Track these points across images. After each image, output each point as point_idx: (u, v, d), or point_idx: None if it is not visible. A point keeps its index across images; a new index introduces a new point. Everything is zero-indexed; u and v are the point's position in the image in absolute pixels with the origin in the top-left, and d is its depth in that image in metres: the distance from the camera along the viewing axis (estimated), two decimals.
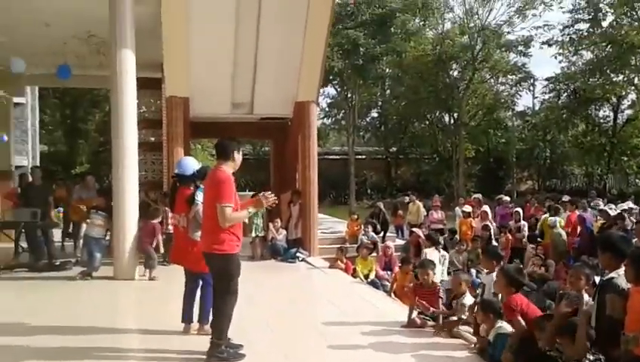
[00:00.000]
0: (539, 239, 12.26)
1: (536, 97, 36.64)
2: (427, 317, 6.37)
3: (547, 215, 13.07)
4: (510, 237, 12.04)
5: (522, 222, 12.84)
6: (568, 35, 31.90)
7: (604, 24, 30.55)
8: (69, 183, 14.17)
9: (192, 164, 6.12)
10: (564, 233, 11.89)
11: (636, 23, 28.68)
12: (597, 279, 5.01)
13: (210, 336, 5.03)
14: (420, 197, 18.31)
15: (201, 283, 5.76)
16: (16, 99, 15.05)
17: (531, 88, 36.10)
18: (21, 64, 11.40)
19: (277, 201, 5.13)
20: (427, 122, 38.89)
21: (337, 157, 38.04)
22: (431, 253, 9.81)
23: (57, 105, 30.68)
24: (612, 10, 29.67)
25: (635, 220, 11.44)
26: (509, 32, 33.31)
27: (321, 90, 26.74)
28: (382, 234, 14.12)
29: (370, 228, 13.11)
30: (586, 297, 5.00)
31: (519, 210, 13.47)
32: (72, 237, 12.31)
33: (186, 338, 5.71)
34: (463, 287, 6.32)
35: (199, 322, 5.76)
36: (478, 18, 32.77)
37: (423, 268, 6.67)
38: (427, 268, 6.64)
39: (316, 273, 10.52)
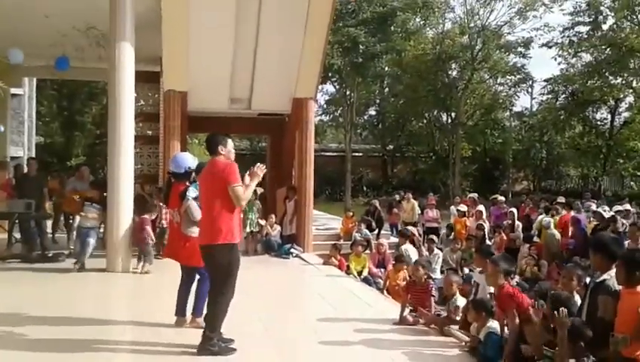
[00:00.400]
0: (536, 239, 12.29)
1: (534, 98, 36.83)
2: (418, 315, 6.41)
3: (544, 215, 13.12)
4: (504, 237, 12.08)
5: (517, 222, 12.87)
6: (568, 37, 31.99)
7: (605, 27, 30.67)
8: (63, 175, 14.16)
9: (185, 161, 6.08)
10: (557, 234, 11.93)
11: (637, 27, 28.72)
12: (588, 280, 5.05)
13: (202, 329, 5.04)
14: (416, 195, 18.34)
15: (197, 276, 5.78)
16: (13, 90, 15.04)
17: (529, 89, 36.28)
18: (19, 55, 11.38)
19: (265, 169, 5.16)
20: (425, 121, 38.94)
21: (334, 154, 38.03)
22: (408, 249, 10.32)
23: (55, 96, 30.56)
24: (612, 14, 29.71)
25: (628, 222, 11.47)
26: (509, 33, 33.44)
27: (320, 87, 26.71)
28: (377, 231, 14.16)
29: (363, 226, 13.13)
30: (577, 298, 5.04)
31: (514, 210, 13.51)
32: (65, 228, 12.31)
33: (178, 330, 5.72)
34: (454, 288, 6.34)
35: (192, 315, 5.78)
36: (479, 18, 32.83)
37: (415, 265, 6.70)
38: (418, 265, 6.67)
39: (310, 269, 10.53)
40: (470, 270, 9.82)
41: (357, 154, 37.39)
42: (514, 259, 11.09)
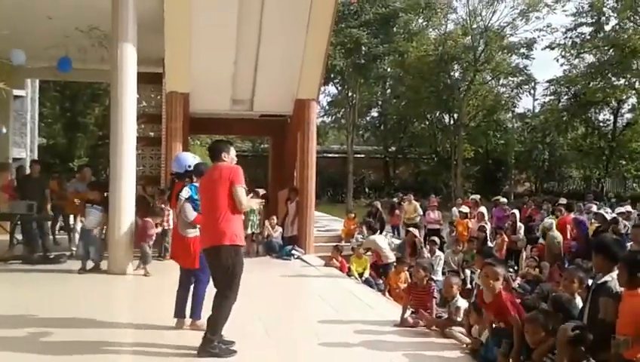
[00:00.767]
0: (541, 241, 12.24)
1: (537, 100, 36.77)
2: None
3: (548, 217, 13.08)
4: (506, 238, 12.05)
5: (519, 224, 12.84)
6: (571, 38, 31.94)
7: (607, 28, 30.61)
8: (62, 176, 14.17)
9: (186, 160, 6.09)
10: (559, 235, 11.90)
11: None
12: (590, 282, 5.04)
13: (203, 331, 5.04)
14: (418, 197, 18.32)
15: (193, 279, 5.79)
16: (16, 92, 15.01)
17: (532, 91, 36.23)
18: (22, 56, 11.37)
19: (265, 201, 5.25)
20: (427, 122, 38.88)
21: (336, 155, 38.01)
22: (377, 238, 11.15)
23: (57, 98, 30.57)
24: (615, 15, 29.66)
25: (630, 224, 11.44)
26: (511, 34, 33.39)
27: (322, 89, 26.70)
28: (378, 233, 14.10)
29: (365, 228, 13.11)
30: (578, 300, 5.03)
31: (516, 211, 13.48)
32: (65, 230, 12.32)
33: (179, 332, 5.72)
34: (454, 290, 6.33)
35: (191, 317, 5.78)
36: (482, 19, 32.79)
37: (417, 266, 6.69)
38: (419, 267, 6.66)
39: (311, 271, 10.52)
40: (472, 272, 9.81)
41: (359, 155, 37.33)
42: (516, 263, 11.15)
